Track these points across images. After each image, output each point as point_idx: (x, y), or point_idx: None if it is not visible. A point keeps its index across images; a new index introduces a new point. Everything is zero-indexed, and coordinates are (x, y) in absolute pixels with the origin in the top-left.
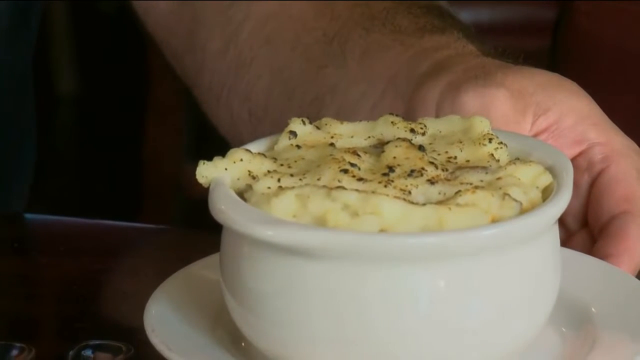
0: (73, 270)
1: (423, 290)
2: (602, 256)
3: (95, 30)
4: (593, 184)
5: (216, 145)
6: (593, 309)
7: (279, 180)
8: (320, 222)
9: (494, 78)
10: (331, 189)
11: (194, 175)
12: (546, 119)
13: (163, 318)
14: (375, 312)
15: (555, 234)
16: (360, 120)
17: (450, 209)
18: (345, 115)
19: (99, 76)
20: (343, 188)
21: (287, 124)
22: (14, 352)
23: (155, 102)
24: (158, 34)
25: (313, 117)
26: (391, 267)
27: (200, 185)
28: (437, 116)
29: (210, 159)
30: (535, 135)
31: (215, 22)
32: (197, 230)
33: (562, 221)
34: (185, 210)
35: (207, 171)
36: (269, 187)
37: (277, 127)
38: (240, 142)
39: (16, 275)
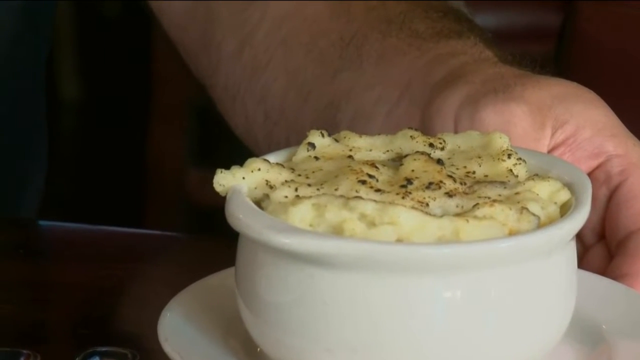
0: (78, 276)
1: (438, 301)
2: (618, 275)
3: (98, 35)
4: (611, 197)
5: (220, 151)
6: (608, 329)
7: (296, 189)
8: (337, 232)
9: (512, 92)
10: (348, 198)
11: (198, 180)
12: (563, 132)
13: (177, 327)
14: (390, 322)
15: (572, 249)
16: (376, 128)
17: (467, 220)
18: (360, 120)
19: (103, 81)
20: (360, 198)
21: (305, 135)
22: (20, 359)
23: (159, 107)
24: (173, 34)
25: (329, 121)
26: (407, 277)
27: (203, 190)
28: (455, 128)
29: (214, 164)
30: (553, 149)
31: (231, 23)
32: (203, 236)
33: (579, 234)
34: (189, 216)
35: (224, 180)
36: (286, 196)
37: (292, 130)
38: (255, 144)
39: (22, 281)
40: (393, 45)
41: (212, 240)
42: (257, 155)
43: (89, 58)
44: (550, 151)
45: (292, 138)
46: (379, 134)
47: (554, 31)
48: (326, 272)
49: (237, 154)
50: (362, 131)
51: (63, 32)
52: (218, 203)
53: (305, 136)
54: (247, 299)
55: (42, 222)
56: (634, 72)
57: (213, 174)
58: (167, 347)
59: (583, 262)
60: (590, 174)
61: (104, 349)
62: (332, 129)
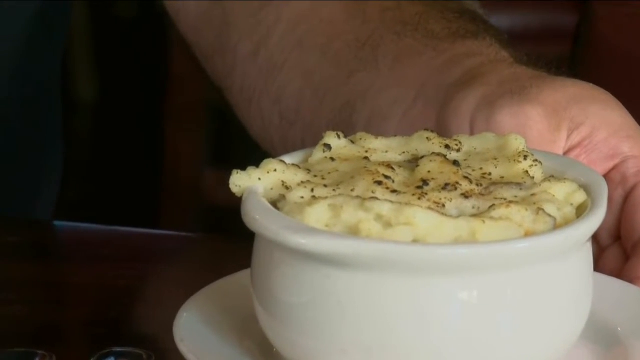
0: (93, 276)
1: (454, 302)
2: (634, 277)
3: (114, 36)
4: (627, 198)
5: (235, 151)
6: (623, 332)
7: (312, 190)
8: (353, 232)
9: (528, 94)
10: (365, 199)
11: (214, 180)
12: (579, 133)
13: (192, 328)
14: (405, 323)
15: (588, 251)
16: (392, 128)
17: (484, 221)
18: (376, 121)
19: (119, 82)
20: (376, 199)
21: (321, 136)
22: (35, 359)
23: (175, 107)
24: (188, 36)
25: (345, 122)
26: (422, 277)
27: (219, 190)
28: (471, 130)
29: (229, 164)
30: (569, 150)
31: (246, 24)
32: (218, 236)
33: (595, 235)
34: (204, 215)
35: (240, 180)
36: (303, 197)
37: (308, 131)
38: (271, 146)
39: (37, 282)
40: (409, 45)
41: (227, 241)
42: (273, 157)
43: (105, 59)
44: (566, 153)
45: (308, 140)
46: (395, 135)
47: (570, 32)
48: (342, 272)
49: (252, 154)
50: (378, 132)
51: (78, 33)
52: (233, 203)
53: (321, 137)
54: (263, 300)
55: (56, 223)
56: None
57: (229, 174)
58: (183, 347)
59: (599, 264)
60: (606, 176)
61: (119, 349)
62: (348, 130)
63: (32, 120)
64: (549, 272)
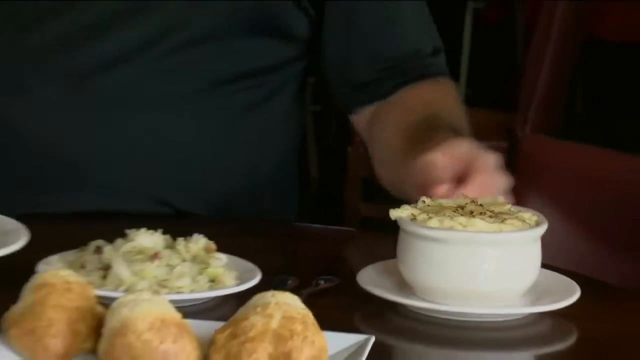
0: (315, 251)
1: (484, 259)
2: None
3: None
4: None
5: (375, 195)
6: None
7: (428, 215)
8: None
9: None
10: (452, 217)
11: (366, 210)
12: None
13: (367, 274)
14: (453, 268)
15: (538, 245)
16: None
17: (503, 221)
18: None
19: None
20: (457, 215)
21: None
22: (289, 281)
23: (351, 177)
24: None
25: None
26: (470, 246)
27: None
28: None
29: (374, 202)
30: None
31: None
32: (371, 232)
33: None
34: (361, 226)
35: (395, 212)
36: (422, 217)
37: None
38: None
39: (282, 253)
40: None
41: (376, 235)
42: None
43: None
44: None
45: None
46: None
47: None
48: (435, 245)
49: (384, 198)
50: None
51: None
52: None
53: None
54: (402, 260)
55: (297, 224)
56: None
57: (375, 206)
58: (359, 279)
59: None
60: None
61: (324, 277)
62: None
63: (280, 192)
64: (524, 249)
